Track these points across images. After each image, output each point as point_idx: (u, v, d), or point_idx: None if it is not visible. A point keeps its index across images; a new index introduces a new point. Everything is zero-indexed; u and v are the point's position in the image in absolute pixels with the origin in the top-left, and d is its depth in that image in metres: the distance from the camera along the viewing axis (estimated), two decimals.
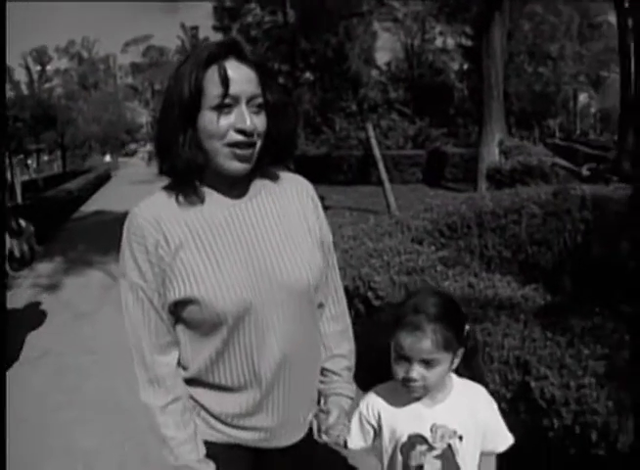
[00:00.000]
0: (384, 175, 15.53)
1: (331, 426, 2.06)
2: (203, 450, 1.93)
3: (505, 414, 2.17)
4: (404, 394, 2.12)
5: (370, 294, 4.70)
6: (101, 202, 25.91)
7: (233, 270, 1.82)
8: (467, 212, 6.88)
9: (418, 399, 2.10)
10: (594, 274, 5.44)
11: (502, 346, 3.20)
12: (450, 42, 52.45)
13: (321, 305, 2.14)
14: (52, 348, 7.29)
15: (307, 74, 25.71)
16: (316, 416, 2.11)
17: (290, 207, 2.02)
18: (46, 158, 49.53)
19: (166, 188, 1.93)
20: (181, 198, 1.88)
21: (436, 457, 2.08)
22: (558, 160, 24.76)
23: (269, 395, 1.91)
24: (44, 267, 12.51)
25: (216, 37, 60.23)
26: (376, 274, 4.94)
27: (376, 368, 2.13)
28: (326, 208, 17.59)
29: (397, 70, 52.17)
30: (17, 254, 10.85)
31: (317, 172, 25.80)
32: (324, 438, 2.07)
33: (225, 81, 1.75)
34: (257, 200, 1.96)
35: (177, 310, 1.85)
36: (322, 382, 2.18)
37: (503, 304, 3.84)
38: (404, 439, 2.12)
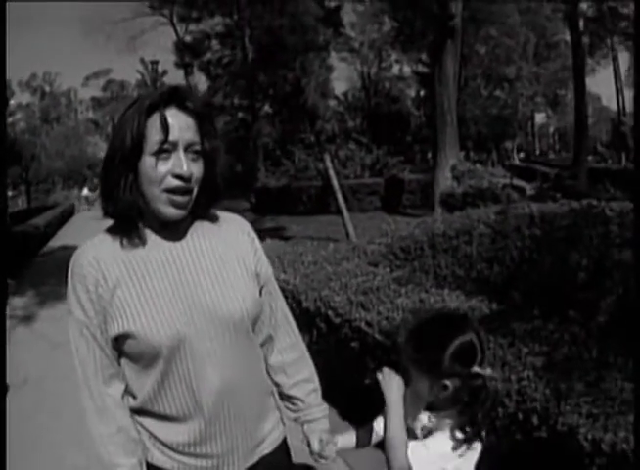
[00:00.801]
0: (342, 205, 15.81)
1: (318, 452, 2.18)
2: None
3: None
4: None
5: (330, 313, 4.95)
6: (67, 237, 25.84)
7: (167, 305, 1.90)
8: (419, 236, 7.19)
9: None
10: (542, 285, 5.74)
11: None
12: (407, 70, 52.90)
13: (271, 337, 2.24)
14: (32, 374, 7.57)
15: (266, 107, 26.00)
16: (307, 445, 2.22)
17: (225, 245, 2.09)
18: (10, 193, 49.25)
19: (109, 230, 2.02)
20: (122, 239, 1.96)
21: None
22: (515, 181, 25.28)
23: (214, 423, 1.97)
24: (17, 301, 12.69)
25: (177, 73, 60.15)
26: (335, 295, 5.20)
27: (337, 382, 2.32)
28: (287, 238, 17.88)
29: (354, 100, 52.50)
30: None
31: (278, 204, 26.12)
32: (322, 462, 2.22)
33: (165, 128, 1.83)
34: (193, 240, 2.04)
35: (118, 344, 1.92)
36: (292, 411, 2.29)
37: None
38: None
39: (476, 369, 2.00)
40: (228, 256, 2.06)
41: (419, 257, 7.04)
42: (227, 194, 2.13)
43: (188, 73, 44.09)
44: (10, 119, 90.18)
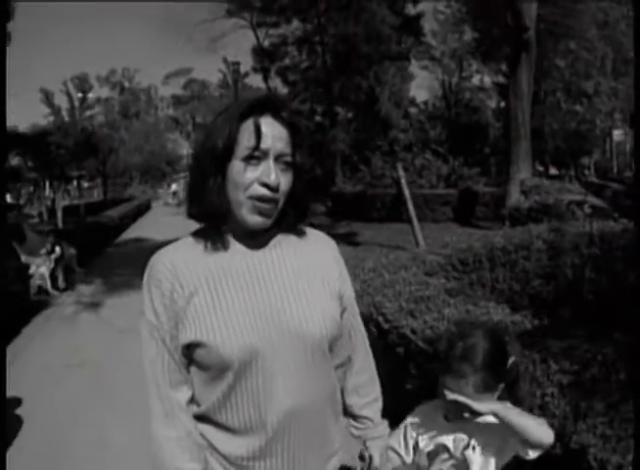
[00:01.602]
0: (412, 214, 15.83)
1: (378, 467, 2.18)
2: None
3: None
4: (441, 414, 2.44)
5: (380, 318, 5.06)
6: (141, 230, 26.64)
7: (243, 318, 1.86)
8: (479, 249, 7.22)
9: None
10: (594, 304, 5.73)
11: None
12: (487, 80, 52.41)
13: (349, 359, 2.23)
14: (90, 358, 7.93)
15: (342, 113, 26.07)
16: (361, 457, 2.20)
17: (310, 261, 2.05)
18: (86, 184, 50.15)
19: (193, 234, 2.01)
20: (205, 243, 1.95)
21: (453, 466, 2.35)
22: (590, 198, 24.90)
23: (277, 441, 1.90)
24: (85, 288, 13.26)
25: (255, 78, 60.38)
26: (387, 301, 5.31)
27: (385, 384, 2.42)
28: (357, 244, 17.99)
29: (434, 109, 52.23)
30: (58, 275, 11.41)
31: (352, 209, 26.19)
32: None
33: (258, 135, 1.81)
34: (277, 251, 2.01)
35: (189, 352, 1.90)
36: (359, 429, 2.27)
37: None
38: (431, 447, 2.40)
39: (510, 361, 2.44)
40: (312, 273, 2.03)
41: (477, 269, 7.06)
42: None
43: (266, 78, 44.38)
44: (88, 113, 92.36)
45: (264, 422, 1.87)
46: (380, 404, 2.33)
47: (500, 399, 2.38)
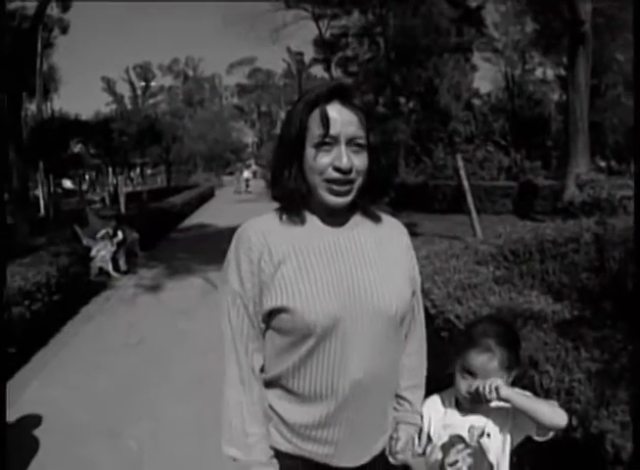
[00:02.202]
0: (471, 205, 15.72)
1: (399, 451, 2.19)
2: (272, 451, 2.02)
3: None
4: (453, 403, 2.43)
5: (429, 304, 5.18)
6: (204, 216, 26.67)
7: (326, 287, 1.92)
8: (530, 240, 7.29)
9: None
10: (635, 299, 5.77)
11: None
12: (550, 73, 51.50)
13: (405, 338, 2.24)
14: (148, 336, 8.12)
15: (404, 103, 25.92)
16: (389, 439, 2.21)
17: (385, 242, 2.11)
18: (150, 171, 50.47)
19: (276, 210, 2.08)
20: (287, 220, 2.02)
21: (469, 455, 2.32)
22: None
23: (342, 410, 1.96)
24: (146, 271, 13.34)
25: (316, 69, 60.21)
26: (436, 288, 5.46)
27: (428, 368, 2.49)
28: (417, 234, 17.93)
29: (497, 101, 51.55)
30: (120, 258, 11.72)
31: (414, 200, 26.08)
32: (391, 460, 2.20)
33: (325, 122, 1.88)
34: (356, 231, 2.07)
35: (270, 319, 1.96)
36: (396, 409, 2.27)
37: (533, 315, 4.33)
38: (445, 439, 2.37)
39: None
40: (388, 253, 2.09)
41: (527, 260, 7.13)
42: None
43: (328, 68, 44.24)
44: (151, 101, 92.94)
45: (335, 390, 1.94)
46: (422, 393, 2.35)
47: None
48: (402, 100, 26.25)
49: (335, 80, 1.77)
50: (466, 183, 16.05)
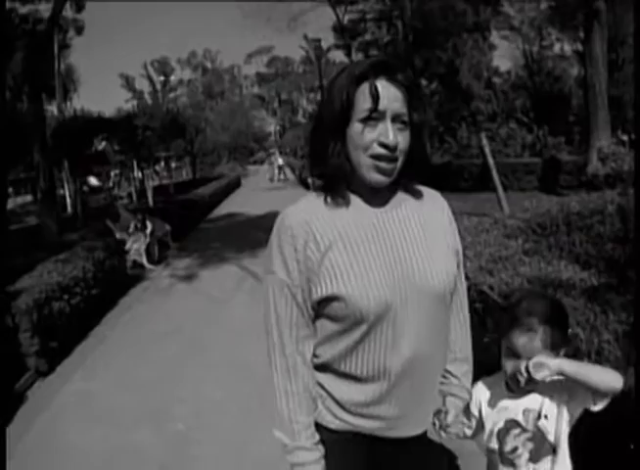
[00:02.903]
0: (497, 182, 15.72)
1: (449, 424, 2.15)
2: (317, 436, 2.02)
3: None
4: (504, 386, 2.38)
5: None
6: (233, 206, 26.71)
7: (377, 272, 1.87)
8: (556, 213, 7.41)
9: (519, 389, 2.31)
10: None
11: None
12: (567, 49, 50.88)
13: (450, 311, 2.20)
14: (186, 324, 8.32)
15: (425, 85, 25.85)
16: (437, 414, 2.17)
17: (429, 218, 2.06)
18: (174, 164, 50.53)
19: (317, 192, 2.01)
20: (330, 201, 1.95)
21: (529, 439, 2.29)
22: None
23: (394, 388, 1.94)
24: (180, 262, 13.52)
25: (337, 54, 59.66)
26: (469, 261, 5.61)
27: None
28: None
29: (517, 78, 51.10)
30: (153, 250, 11.94)
31: (440, 180, 26.02)
32: (442, 434, 2.18)
33: (375, 97, 1.81)
34: (400, 210, 2.01)
35: (320, 307, 1.92)
36: (442, 383, 2.23)
37: (562, 283, 4.50)
38: (500, 425, 2.35)
39: (570, 331, 2.38)
40: (432, 229, 2.05)
41: (554, 233, 7.20)
42: None
43: (349, 54, 44.02)
44: (171, 95, 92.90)
45: (389, 370, 1.92)
46: (468, 368, 2.31)
47: None
48: (424, 82, 26.19)
49: (382, 55, 1.69)
50: (491, 161, 16.06)
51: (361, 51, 43.20)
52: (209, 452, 4.75)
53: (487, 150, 16.20)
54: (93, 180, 39.05)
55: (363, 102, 1.83)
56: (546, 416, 2.26)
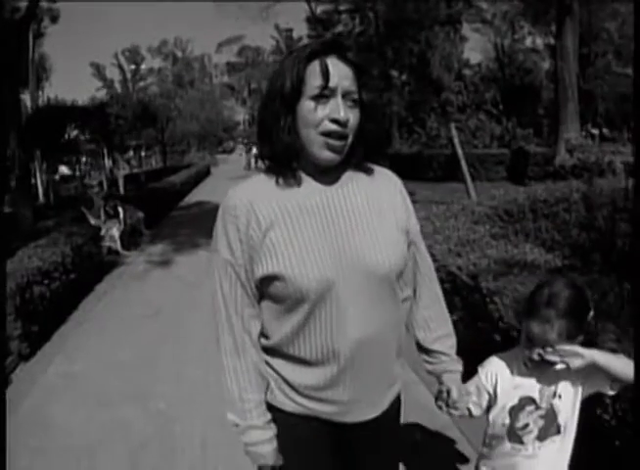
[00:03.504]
0: (465, 172, 15.98)
1: (456, 400, 2.18)
2: (269, 415, 2.02)
3: (513, 342, 2.67)
4: (521, 363, 2.37)
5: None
6: (202, 194, 26.71)
7: (318, 250, 1.85)
8: (523, 201, 7.62)
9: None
10: (624, 252, 6.08)
11: (516, 291, 4.10)
12: (539, 42, 51.24)
13: (415, 292, 2.21)
14: (164, 307, 8.43)
15: (396, 76, 25.96)
16: (438, 395, 2.22)
17: (378, 197, 2.03)
18: (143, 153, 50.04)
19: (265, 171, 2.00)
20: (278, 179, 1.94)
21: (541, 417, 2.31)
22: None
23: (345, 371, 1.92)
24: (154, 248, 13.61)
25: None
26: (438, 245, 5.78)
27: None
28: (414, 202, 18.02)
29: (488, 71, 51.39)
30: (121, 236, 11.98)
31: (409, 169, 26.19)
32: (452, 412, 2.22)
33: (325, 74, 1.80)
34: (348, 188, 1.98)
35: (263, 286, 1.91)
36: (431, 363, 2.25)
37: (527, 264, 4.69)
38: (514, 401, 2.35)
39: (590, 315, 2.31)
40: (381, 207, 2.02)
41: (521, 219, 7.42)
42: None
43: None
44: (141, 84, 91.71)
45: (337, 352, 1.89)
46: (453, 341, 2.29)
47: None
48: (395, 73, 26.31)
49: (330, 36, 1.67)
50: (460, 151, 16.30)
51: None
52: (192, 429, 4.85)
53: (456, 141, 16.43)
54: (63, 169, 38.79)
55: (314, 79, 1.83)
56: (560, 396, 2.30)
